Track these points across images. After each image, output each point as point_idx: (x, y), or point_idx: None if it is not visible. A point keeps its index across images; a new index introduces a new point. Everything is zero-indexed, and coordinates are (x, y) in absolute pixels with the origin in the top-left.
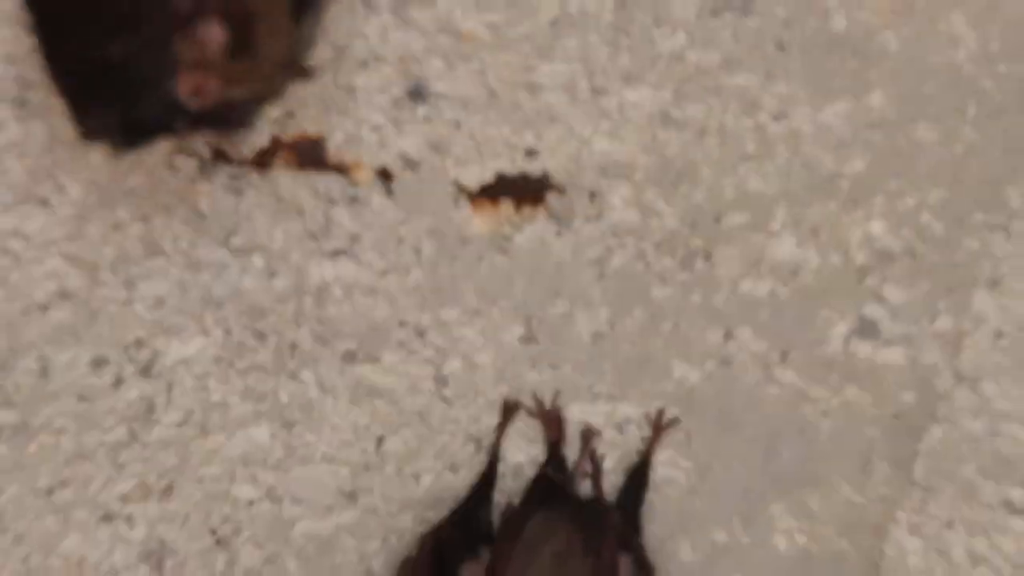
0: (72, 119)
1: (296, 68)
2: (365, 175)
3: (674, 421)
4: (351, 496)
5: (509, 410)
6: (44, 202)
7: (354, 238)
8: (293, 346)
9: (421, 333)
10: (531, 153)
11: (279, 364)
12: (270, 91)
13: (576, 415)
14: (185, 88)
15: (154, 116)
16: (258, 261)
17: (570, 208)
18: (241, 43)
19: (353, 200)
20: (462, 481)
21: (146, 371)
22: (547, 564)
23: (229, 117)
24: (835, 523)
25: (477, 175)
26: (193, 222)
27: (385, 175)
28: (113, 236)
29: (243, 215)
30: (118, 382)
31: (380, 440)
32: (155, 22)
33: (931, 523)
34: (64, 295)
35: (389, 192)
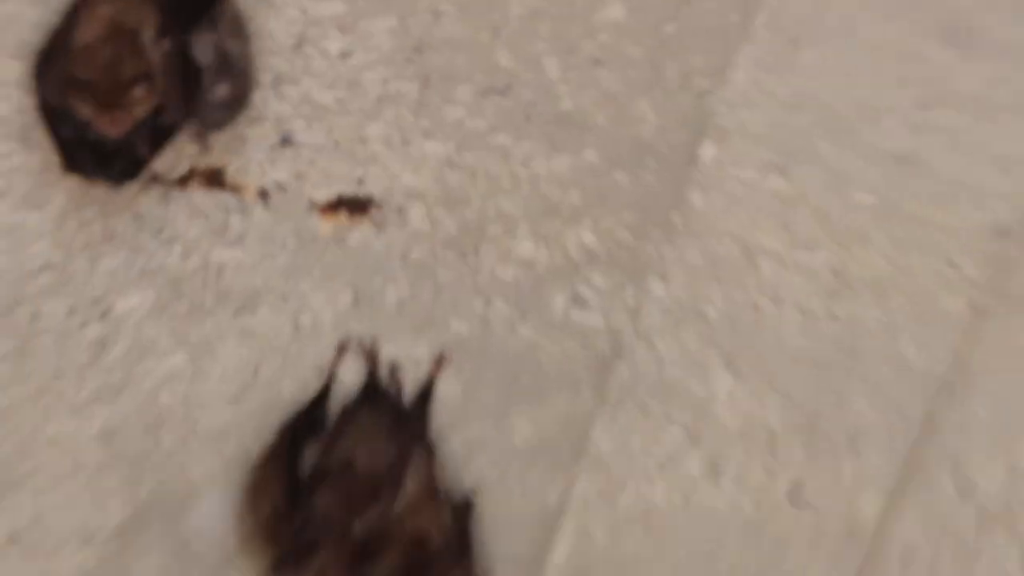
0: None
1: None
2: (251, 194)
3: (448, 358)
4: (236, 400)
5: (341, 348)
6: (39, 206)
7: (242, 235)
8: (201, 304)
9: (284, 298)
10: (360, 182)
11: (191, 315)
12: (170, 106)
13: (386, 354)
14: (102, 127)
15: (113, 152)
16: (178, 248)
17: (385, 219)
18: (108, 92)
19: (242, 210)
20: (310, 393)
21: (103, 317)
22: (359, 437)
23: (157, 133)
24: (554, 423)
25: (325, 195)
26: (136, 221)
27: (264, 194)
28: (83, 229)
29: (169, 218)
30: (84, 324)
31: (256, 367)
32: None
33: (617, 425)
34: (48, 266)
35: (266, 206)
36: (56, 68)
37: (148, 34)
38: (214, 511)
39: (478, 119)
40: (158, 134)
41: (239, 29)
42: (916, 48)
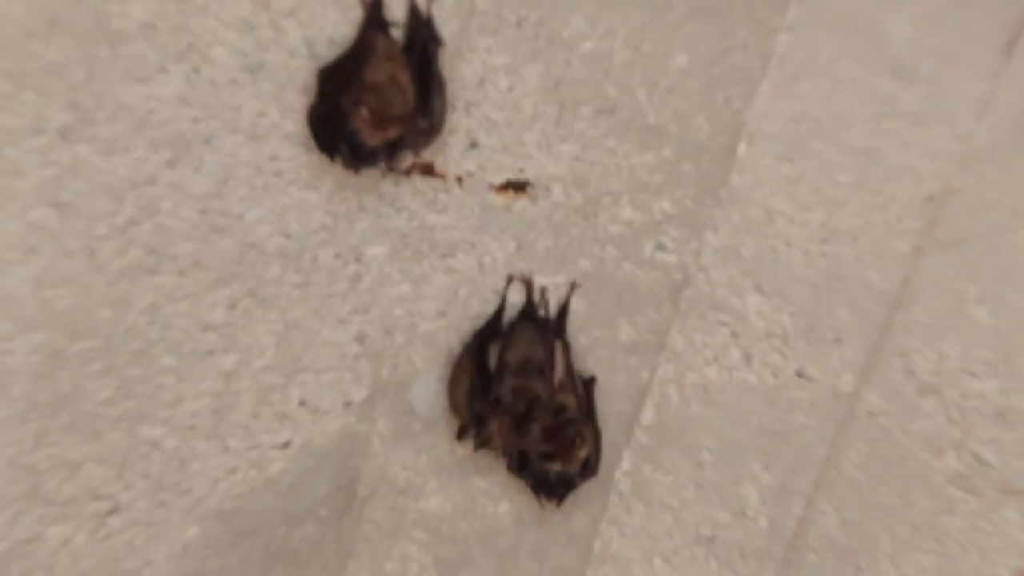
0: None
1: (415, 127)
2: (451, 179)
3: (578, 285)
4: (443, 313)
5: (509, 279)
6: (316, 188)
7: (446, 206)
8: (419, 251)
9: (473, 246)
10: (521, 171)
11: (414, 258)
12: (407, 136)
13: (538, 282)
14: (367, 138)
15: (364, 152)
16: (404, 214)
17: (537, 195)
18: (381, 118)
19: (446, 190)
20: (491, 308)
21: (358, 259)
22: (526, 343)
23: (391, 148)
24: (646, 327)
25: (498, 180)
26: (379, 197)
27: (459, 179)
28: (344, 203)
29: (400, 195)
30: (345, 264)
31: (456, 291)
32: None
33: (686, 328)
34: (323, 227)
35: (461, 187)
36: (349, 93)
37: (409, 89)
38: (429, 386)
39: (595, 130)
40: (393, 147)
41: (441, 86)
42: (875, 80)
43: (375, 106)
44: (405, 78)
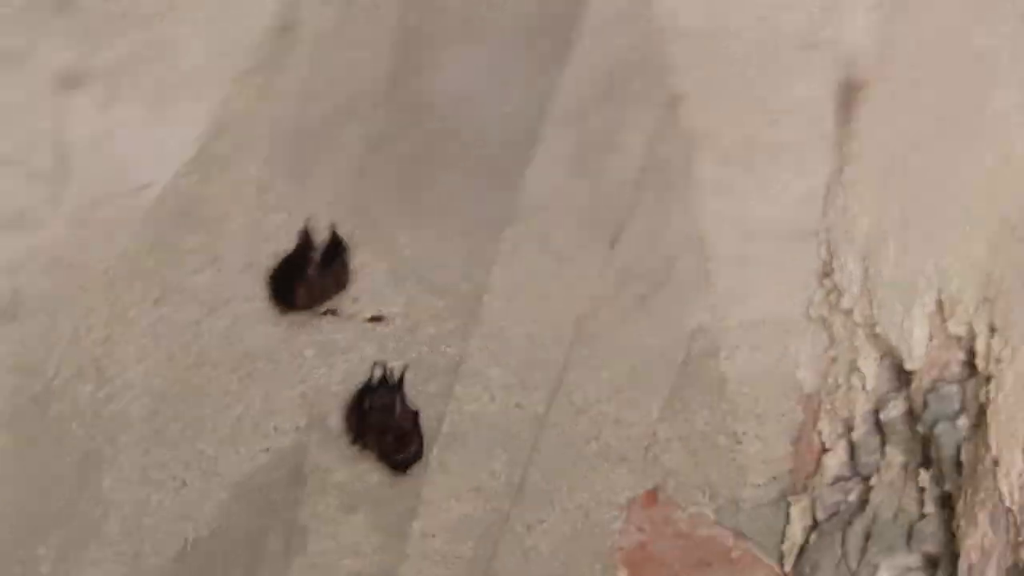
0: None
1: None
2: (345, 316)
3: (407, 366)
4: (342, 381)
5: (374, 364)
6: (276, 324)
7: (343, 328)
8: (330, 351)
9: (357, 347)
10: (379, 311)
11: (327, 353)
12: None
13: (389, 365)
14: (299, 302)
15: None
16: (321, 333)
17: (387, 323)
18: (312, 296)
19: (343, 321)
20: (365, 378)
21: (301, 355)
22: (382, 395)
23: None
24: (439, 388)
25: (368, 315)
26: (310, 325)
27: (350, 316)
28: (289, 329)
29: (318, 324)
30: (294, 358)
31: (348, 369)
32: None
33: (461, 384)
34: (282, 340)
35: (348, 318)
36: (298, 286)
37: (333, 287)
38: (336, 417)
39: (411, 305)
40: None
41: (342, 280)
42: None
43: (308, 294)
44: (329, 283)
